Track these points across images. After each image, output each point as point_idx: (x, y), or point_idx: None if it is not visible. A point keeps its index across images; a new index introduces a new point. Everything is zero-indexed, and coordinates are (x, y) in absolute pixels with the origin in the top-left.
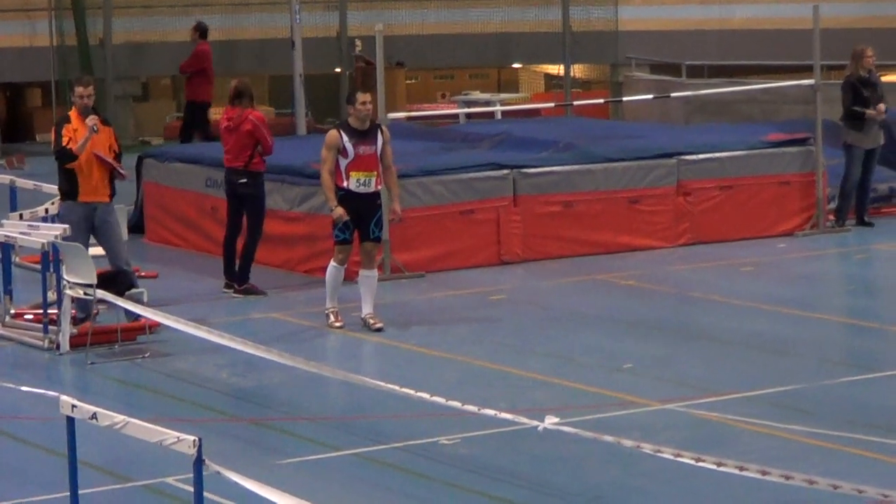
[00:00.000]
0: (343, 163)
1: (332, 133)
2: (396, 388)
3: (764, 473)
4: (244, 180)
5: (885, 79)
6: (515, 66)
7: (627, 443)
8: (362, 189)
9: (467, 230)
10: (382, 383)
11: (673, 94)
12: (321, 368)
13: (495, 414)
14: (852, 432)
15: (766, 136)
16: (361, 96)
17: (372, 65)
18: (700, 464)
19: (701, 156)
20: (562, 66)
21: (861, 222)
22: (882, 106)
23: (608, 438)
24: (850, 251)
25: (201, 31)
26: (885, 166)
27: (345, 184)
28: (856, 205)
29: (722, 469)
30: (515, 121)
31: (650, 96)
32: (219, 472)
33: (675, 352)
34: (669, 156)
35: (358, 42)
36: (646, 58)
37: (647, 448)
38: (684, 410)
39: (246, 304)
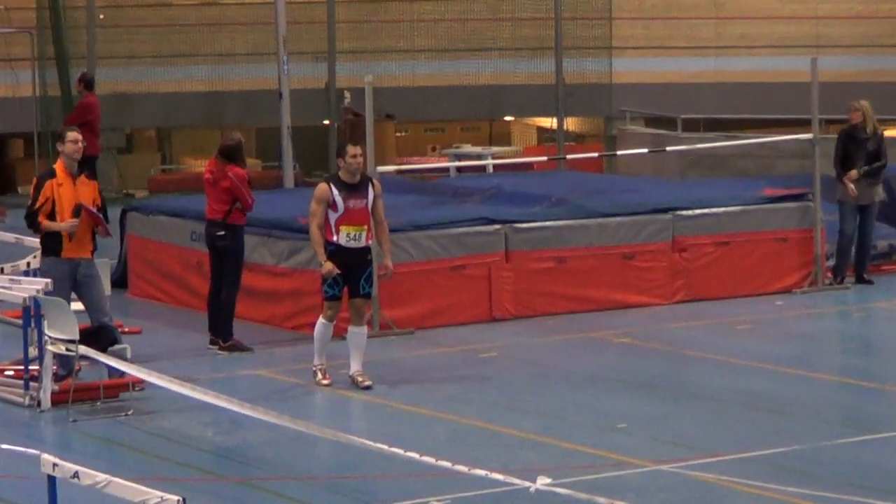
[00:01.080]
0: (333, 217)
1: (322, 186)
2: (385, 447)
3: None
4: (222, 233)
5: (888, 133)
6: (507, 118)
7: None
8: (352, 244)
9: (458, 286)
10: (371, 442)
11: (668, 148)
12: (308, 427)
13: (486, 474)
14: (851, 495)
15: (762, 192)
16: (352, 149)
17: (361, 117)
18: None
19: (697, 211)
20: (555, 119)
21: (860, 280)
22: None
23: (602, 500)
24: (849, 309)
25: (87, 83)
26: (886, 223)
27: (335, 238)
28: (855, 262)
29: None
30: (507, 175)
31: (645, 150)
32: None
33: (671, 411)
34: (664, 211)
35: (347, 94)
36: (640, 111)
37: None
38: (680, 471)
39: (231, 360)
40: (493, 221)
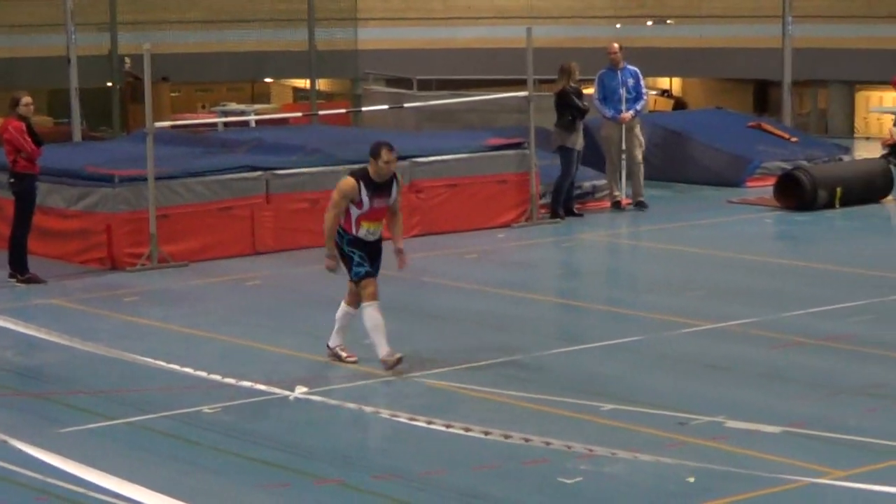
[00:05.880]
0: (355, 212)
1: (350, 182)
2: (164, 363)
3: (486, 433)
4: (12, 180)
5: (586, 91)
6: (267, 80)
7: (368, 409)
8: (370, 238)
9: (226, 224)
10: (151, 359)
11: (406, 105)
12: (96, 347)
13: (252, 385)
14: (562, 396)
15: (486, 141)
16: (386, 154)
17: (140, 79)
18: (431, 426)
19: (431, 158)
20: (308, 80)
21: (570, 214)
22: (629, 114)
23: (351, 405)
24: (559, 240)
25: None
26: (587, 166)
27: (353, 231)
28: (564, 200)
29: (450, 430)
30: (267, 128)
31: (386, 106)
32: (5, 441)
33: (410, 329)
34: (403, 158)
35: (127, 59)
36: (382, 73)
37: (386, 413)
38: (419, 380)
39: (28, 291)
40: (255, 169)
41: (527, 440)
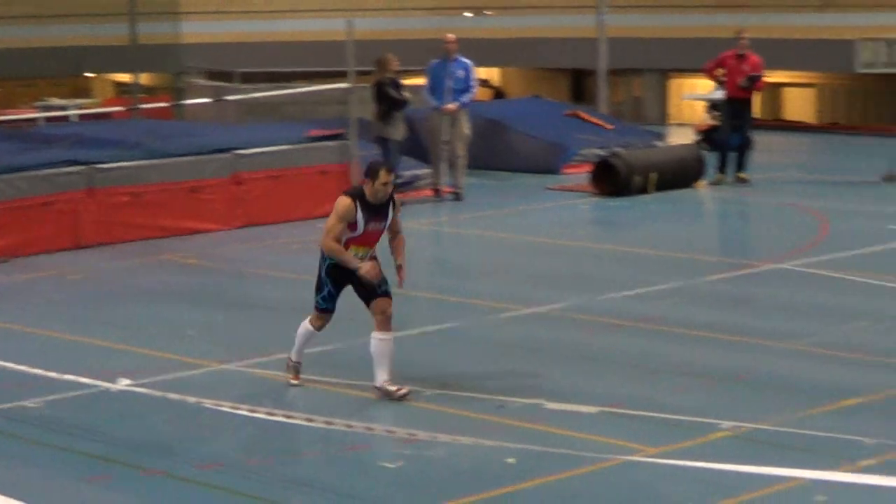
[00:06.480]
0: (346, 234)
1: (347, 203)
2: None
3: (309, 420)
4: None
5: (406, 82)
6: (88, 74)
7: (191, 399)
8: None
9: (47, 219)
10: None
11: (228, 98)
12: None
13: (75, 378)
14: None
15: (307, 133)
16: (384, 175)
17: None
18: (254, 414)
19: (252, 150)
20: (130, 75)
21: None
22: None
23: (174, 396)
24: None
25: None
26: (409, 156)
27: None
28: None
29: (273, 418)
30: (89, 123)
31: (208, 100)
32: None
33: (232, 319)
34: (225, 150)
35: None
36: (204, 66)
37: (209, 403)
38: (241, 369)
39: None
40: (77, 163)
41: (349, 426)
